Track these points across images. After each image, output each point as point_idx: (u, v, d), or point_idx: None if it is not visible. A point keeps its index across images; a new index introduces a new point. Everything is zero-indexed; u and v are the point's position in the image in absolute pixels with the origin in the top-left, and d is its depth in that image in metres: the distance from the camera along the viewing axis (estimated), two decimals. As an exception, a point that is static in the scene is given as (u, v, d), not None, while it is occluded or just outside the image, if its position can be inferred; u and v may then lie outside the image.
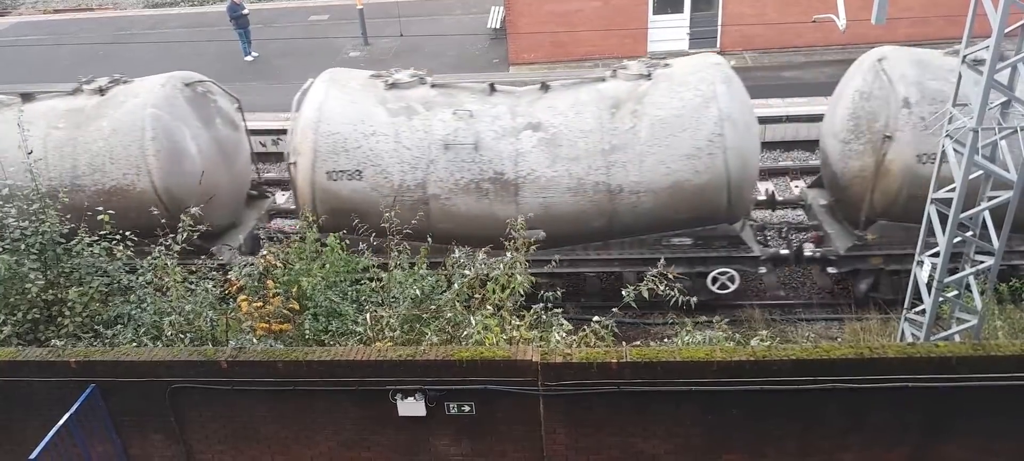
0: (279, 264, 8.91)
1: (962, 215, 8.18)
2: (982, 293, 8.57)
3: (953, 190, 8.09)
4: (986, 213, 8.40)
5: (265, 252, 9.15)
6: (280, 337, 8.40)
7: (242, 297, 8.46)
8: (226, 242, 12.71)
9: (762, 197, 14.90)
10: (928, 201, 8.66)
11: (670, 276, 8.02)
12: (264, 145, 18.17)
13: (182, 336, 8.49)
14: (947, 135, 8.25)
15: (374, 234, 9.79)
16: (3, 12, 34.92)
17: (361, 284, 9.18)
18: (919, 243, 8.98)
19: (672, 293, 7.95)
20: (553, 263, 10.14)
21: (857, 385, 6.99)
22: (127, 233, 9.22)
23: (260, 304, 8.33)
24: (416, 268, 8.97)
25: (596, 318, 8.24)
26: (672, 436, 7.50)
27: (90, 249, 9.11)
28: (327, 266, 9.17)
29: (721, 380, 7.05)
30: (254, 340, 7.99)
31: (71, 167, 11.97)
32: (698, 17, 21.67)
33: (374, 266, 9.38)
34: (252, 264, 8.81)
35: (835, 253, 12.14)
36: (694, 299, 8.31)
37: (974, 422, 7.27)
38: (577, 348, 7.73)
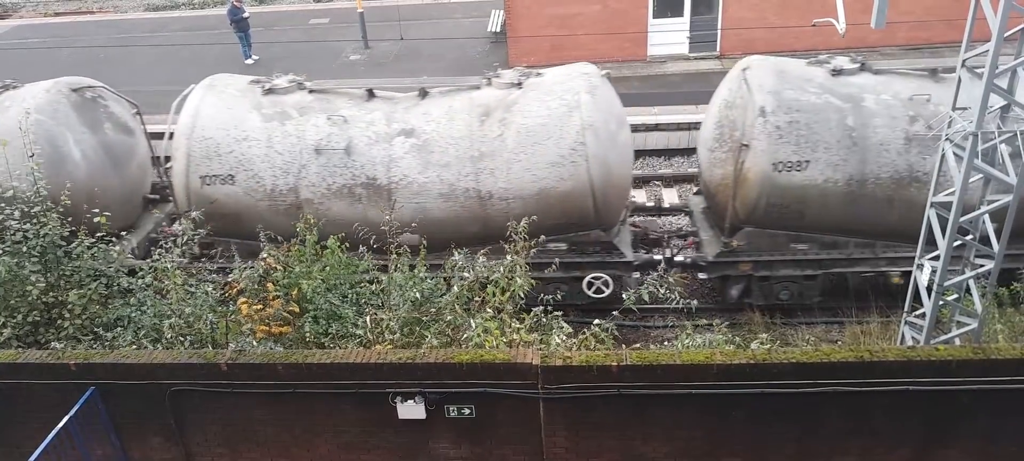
0: (279, 267, 8.91)
1: (962, 219, 8.18)
2: (982, 296, 8.57)
3: (953, 194, 8.09)
4: (986, 216, 8.40)
5: (266, 257, 9.15)
6: (280, 340, 8.40)
7: (242, 300, 8.46)
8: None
9: (651, 203, 15.33)
10: (928, 204, 8.66)
11: (671, 281, 8.03)
12: None
13: (182, 339, 8.49)
14: (947, 139, 8.26)
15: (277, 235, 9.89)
16: (4, 15, 34.97)
17: (361, 287, 9.18)
18: (919, 246, 8.98)
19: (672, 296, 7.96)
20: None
21: (857, 388, 7.00)
22: None
23: (260, 307, 8.33)
24: (416, 271, 8.97)
25: (597, 321, 8.24)
26: (672, 439, 7.50)
27: (90, 252, 9.11)
28: (327, 269, 9.17)
29: (721, 383, 7.05)
30: (254, 343, 7.98)
31: None
32: (698, 21, 21.70)
33: (374, 269, 9.39)
34: (252, 267, 8.81)
35: (705, 259, 12.33)
36: (694, 302, 8.31)
37: (974, 425, 7.27)
38: (577, 351, 7.73)
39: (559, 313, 8.55)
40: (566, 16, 21.37)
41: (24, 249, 8.93)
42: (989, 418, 7.22)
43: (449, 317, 8.46)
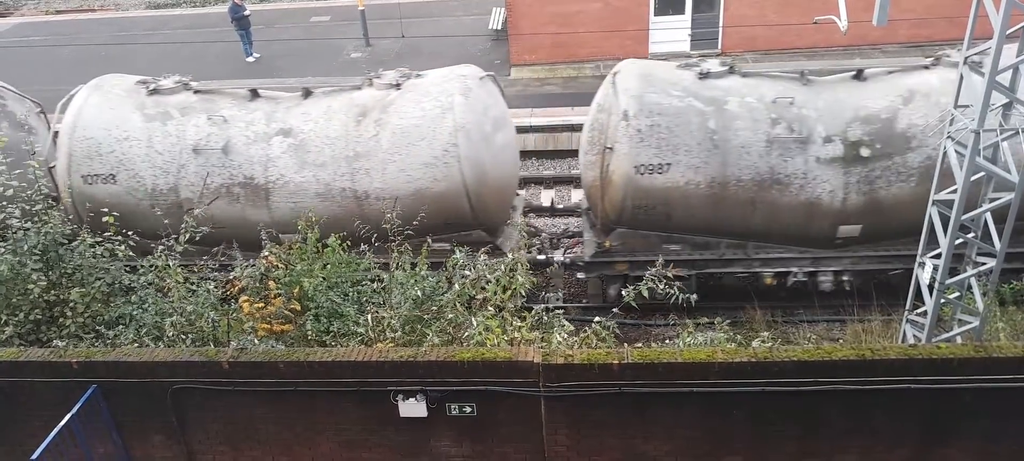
0: (281, 265, 8.92)
1: (964, 217, 8.17)
2: (984, 295, 8.57)
3: (954, 192, 8.08)
4: (988, 215, 8.39)
5: (267, 253, 9.16)
6: (281, 338, 8.40)
7: (244, 298, 8.47)
8: None
9: (546, 204, 15.52)
10: (929, 203, 8.66)
11: (670, 276, 8.04)
12: None
13: (184, 337, 8.50)
14: (949, 137, 8.25)
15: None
16: (6, 13, 34.98)
17: (362, 285, 9.19)
18: (921, 244, 8.98)
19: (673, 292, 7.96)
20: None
21: (858, 387, 6.99)
22: None
23: (262, 305, 8.34)
24: (417, 269, 8.97)
25: (597, 319, 8.25)
26: (673, 437, 7.51)
27: (92, 250, 9.12)
28: (329, 267, 9.18)
29: (722, 381, 7.05)
30: (255, 341, 7.99)
31: None
32: (699, 18, 21.67)
33: (375, 267, 9.40)
34: (254, 265, 8.82)
35: (582, 259, 12.42)
36: (694, 297, 8.31)
37: (976, 424, 7.27)
38: (578, 349, 7.73)
39: (560, 311, 8.55)
40: (567, 14, 21.35)
41: (25, 247, 8.93)
42: (990, 417, 7.22)
43: (450, 315, 8.46)
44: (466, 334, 8.11)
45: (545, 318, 8.47)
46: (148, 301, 8.81)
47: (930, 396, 7.06)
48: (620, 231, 11.77)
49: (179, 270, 9.06)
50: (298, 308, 8.68)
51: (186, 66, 22.91)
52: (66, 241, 9.13)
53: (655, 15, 21.65)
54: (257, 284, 8.70)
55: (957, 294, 8.80)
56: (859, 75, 11.46)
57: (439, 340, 8.10)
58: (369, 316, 8.41)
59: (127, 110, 12.09)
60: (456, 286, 8.57)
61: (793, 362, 6.96)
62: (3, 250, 8.99)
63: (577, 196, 15.97)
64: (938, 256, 8.51)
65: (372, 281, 9.22)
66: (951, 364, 6.89)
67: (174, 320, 8.51)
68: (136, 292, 8.95)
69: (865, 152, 10.76)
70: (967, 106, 8.00)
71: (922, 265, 8.85)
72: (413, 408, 7.43)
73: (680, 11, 21.66)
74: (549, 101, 20.00)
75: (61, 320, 8.81)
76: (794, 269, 10.96)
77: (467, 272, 8.62)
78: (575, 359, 7.18)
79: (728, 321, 10.91)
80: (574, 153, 17.66)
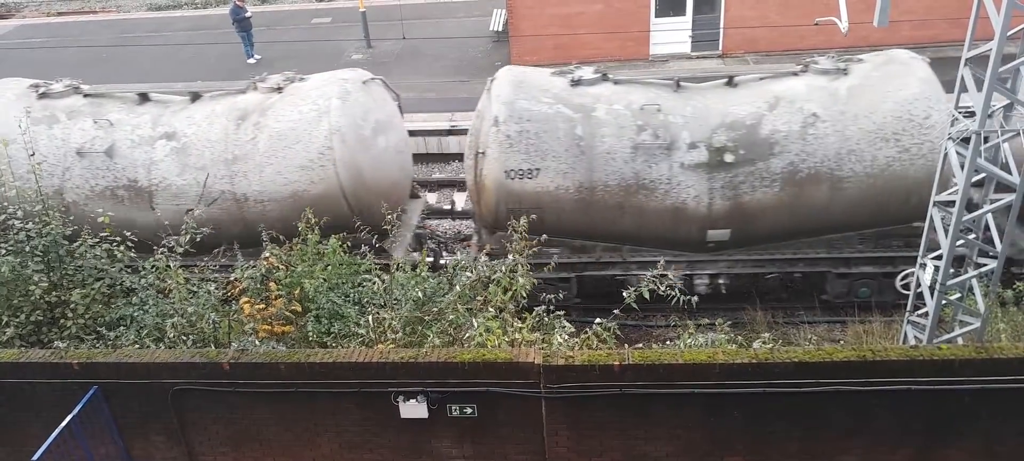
0: (281, 266, 8.92)
1: (965, 218, 8.16)
2: (985, 296, 8.56)
3: (956, 193, 8.07)
4: (989, 216, 8.38)
5: (267, 254, 9.16)
6: (282, 339, 8.41)
7: (244, 299, 8.47)
8: None
9: (447, 206, 15.80)
10: (930, 203, 8.65)
11: (670, 277, 8.03)
12: None
13: (184, 338, 8.49)
14: (949, 138, 8.24)
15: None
16: (7, 15, 35.02)
17: (363, 286, 9.19)
18: (922, 245, 8.97)
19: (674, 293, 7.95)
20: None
21: (859, 388, 6.99)
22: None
23: (263, 306, 8.34)
24: (418, 270, 8.97)
25: (598, 320, 8.24)
26: (674, 438, 7.50)
27: (93, 251, 9.12)
28: (329, 268, 9.18)
29: (723, 382, 7.05)
30: (256, 342, 7.99)
31: None
32: (700, 19, 21.67)
33: (376, 268, 9.40)
34: (255, 266, 8.82)
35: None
36: (695, 298, 8.31)
37: (977, 425, 7.26)
38: (579, 350, 7.73)
39: (561, 312, 8.55)
40: (568, 15, 21.35)
41: (27, 249, 8.94)
42: (991, 418, 7.21)
43: (451, 316, 8.46)
44: (467, 335, 8.10)
45: (546, 319, 8.46)
46: (149, 302, 8.81)
47: (931, 397, 7.05)
48: (499, 234, 11.87)
49: (180, 271, 9.06)
50: (299, 309, 8.68)
51: (187, 68, 22.97)
52: (67, 242, 9.13)
53: (656, 16, 21.64)
54: (258, 285, 8.70)
55: (958, 295, 8.78)
56: (730, 82, 11.68)
57: (440, 341, 8.10)
58: (370, 317, 8.41)
59: (16, 113, 12.20)
60: (457, 287, 8.56)
61: (794, 363, 6.96)
62: (4, 251, 9.00)
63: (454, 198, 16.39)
64: (939, 257, 8.50)
65: (372, 282, 9.22)
66: (952, 365, 6.89)
67: (175, 321, 8.51)
68: (137, 293, 8.95)
69: (729, 158, 10.96)
70: (967, 107, 7.99)
71: (923, 266, 8.84)
72: (414, 409, 7.43)
73: (681, 12, 21.66)
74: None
75: (62, 321, 8.82)
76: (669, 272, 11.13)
77: (468, 274, 8.62)
78: (576, 360, 7.18)
79: (729, 322, 10.90)
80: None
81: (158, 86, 13.17)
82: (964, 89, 7.92)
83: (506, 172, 11.24)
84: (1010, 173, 7.87)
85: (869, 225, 11.54)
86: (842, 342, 11.63)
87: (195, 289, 8.83)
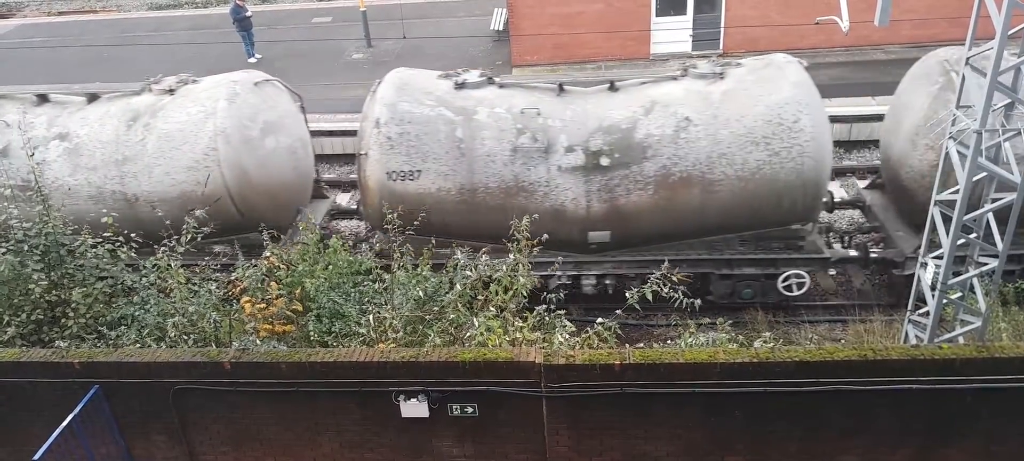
0: (283, 265, 8.92)
1: (966, 217, 8.16)
2: (986, 295, 8.55)
3: (957, 192, 8.07)
4: (990, 215, 8.38)
5: (268, 254, 9.17)
6: (283, 338, 8.41)
7: (246, 298, 8.47)
8: None
9: (355, 206, 15.64)
10: (932, 203, 8.64)
11: (675, 279, 8.03)
12: None
13: (186, 337, 8.50)
14: (951, 137, 8.24)
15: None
16: (8, 14, 35.04)
17: (364, 286, 9.20)
18: (923, 245, 8.97)
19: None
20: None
21: (860, 387, 6.99)
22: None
23: (264, 305, 8.34)
24: (419, 269, 8.97)
25: (599, 320, 8.25)
26: (675, 438, 7.50)
27: (94, 251, 9.13)
28: (330, 267, 9.18)
29: (724, 382, 7.04)
30: (257, 341, 7.99)
31: None
32: (701, 19, 21.66)
33: (377, 268, 9.40)
34: (256, 265, 8.82)
35: None
36: (698, 301, 8.33)
37: (978, 424, 7.26)
38: (580, 350, 7.73)
39: (562, 312, 8.55)
40: (569, 14, 21.34)
41: (26, 248, 8.94)
42: (993, 417, 7.20)
43: (452, 316, 8.46)
44: (468, 335, 8.10)
45: (547, 319, 8.47)
46: (150, 302, 8.81)
47: (932, 397, 7.05)
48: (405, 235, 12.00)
49: (181, 270, 9.06)
50: (300, 309, 8.69)
51: (187, 67, 22.88)
52: (67, 242, 9.13)
53: (656, 16, 21.64)
54: (259, 285, 8.71)
55: (959, 294, 8.78)
56: (612, 86, 11.77)
57: (441, 341, 8.10)
58: (371, 317, 8.42)
59: None
60: (458, 287, 8.57)
61: (795, 363, 6.96)
62: (4, 250, 9.01)
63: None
64: (940, 256, 8.50)
65: (374, 282, 9.23)
66: (953, 365, 6.88)
67: (176, 321, 8.52)
68: (138, 292, 8.96)
69: (605, 161, 11.07)
70: (969, 107, 7.99)
71: (924, 265, 8.84)
72: (415, 408, 7.43)
73: (682, 12, 21.65)
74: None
75: (63, 321, 8.82)
76: (558, 273, 11.18)
77: (468, 273, 8.62)
78: (576, 359, 7.18)
79: (730, 322, 10.91)
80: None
81: (58, 88, 13.32)
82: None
83: (388, 173, 11.39)
84: (1011, 172, 7.87)
85: (746, 227, 11.70)
86: (843, 341, 11.64)
87: (196, 288, 8.84)
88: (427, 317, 8.50)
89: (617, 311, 8.36)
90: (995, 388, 6.93)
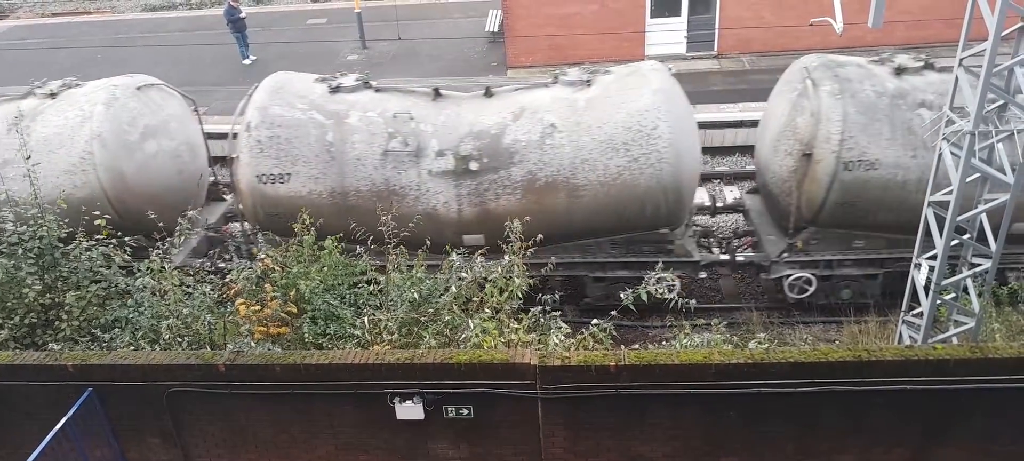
0: (277, 267, 8.91)
1: (959, 218, 8.19)
2: (980, 296, 8.58)
3: (950, 193, 8.10)
4: (983, 216, 8.41)
5: (264, 256, 9.15)
6: (278, 340, 8.39)
7: (240, 300, 8.45)
8: None
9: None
10: (925, 204, 8.67)
11: (672, 281, 8.04)
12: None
13: (180, 339, 8.48)
14: (944, 138, 8.27)
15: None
16: (1, 16, 34.91)
17: (359, 287, 9.19)
18: (917, 245, 8.99)
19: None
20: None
21: (855, 388, 7.00)
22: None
23: (258, 307, 8.32)
24: (414, 271, 8.97)
25: (595, 321, 8.25)
26: (670, 439, 7.51)
27: (87, 253, 9.10)
28: (325, 269, 9.17)
29: (719, 383, 7.05)
30: (252, 343, 7.98)
31: None
32: (695, 20, 21.71)
33: (372, 270, 9.40)
34: (251, 267, 8.80)
35: None
36: (693, 302, 8.33)
37: (972, 424, 7.28)
38: (575, 351, 7.73)
39: (557, 313, 8.55)
40: (564, 16, 21.36)
41: (20, 252, 8.91)
42: (987, 417, 7.23)
43: (447, 317, 8.46)
44: (463, 336, 8.10)
45: (542, 320, 8.47)
46: (144, 304, 8.79)
47: (927, 397, 7.07)
48: (266, 234, 12.11)
49: (175, 273, 9.04)
50: (295, 311, 8.67)
51: (181, 69, 22.89)
52: (61, 244, 9.10)
53: (651, 17, 21.67)
54: (253, 287, 8.69)
55: (953, 295, 8.81)
56: (487, 92, 11.86)
57: (436, 342, 8.10)
58: (366, 318, 8.41)
59: None
60: (453, 288, 8.56)
61: (790, 363, 6.97)
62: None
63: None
64: (934, 257, 8.53)
65: (368, 283, 9.22)
66: (947, 365, 6.91)
67: (170, 323, 8.49)
68: (132, 295, 8.94)
69: (474, 166, 11.16)
70: (962, 108, 8.02)
71: (918, 266, 8.86)
72: (410, 410, 7.42)
73: (676, 13, 21.69)
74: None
75: (57, 323, 8.79)
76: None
77: (463, 274, 8.62)
78: (572, 361, 7.18)
79: (725, 323, 10.94)
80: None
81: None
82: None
83: (258, 176, 11.46)
84: (1004, 173, 7.90)
85: (614, 231, 11.76)
86: (838, 342, 11.66)
87: (190, 291, 8.81)
88: (422, 319, 8.49)
89: (611, 312, 8.37)
90: (989, 388, 6.95)
